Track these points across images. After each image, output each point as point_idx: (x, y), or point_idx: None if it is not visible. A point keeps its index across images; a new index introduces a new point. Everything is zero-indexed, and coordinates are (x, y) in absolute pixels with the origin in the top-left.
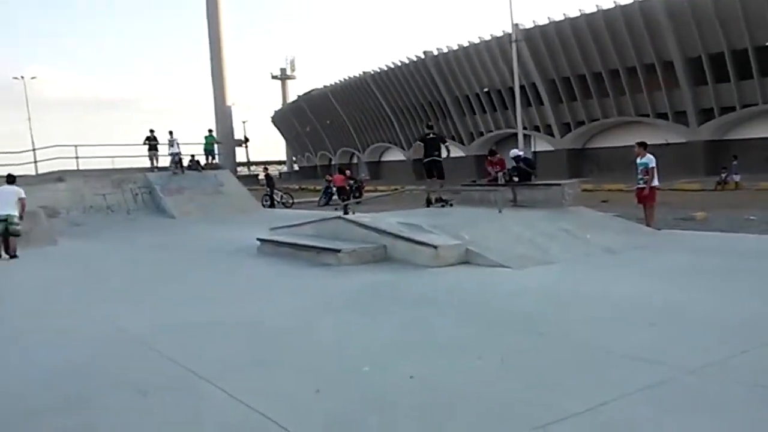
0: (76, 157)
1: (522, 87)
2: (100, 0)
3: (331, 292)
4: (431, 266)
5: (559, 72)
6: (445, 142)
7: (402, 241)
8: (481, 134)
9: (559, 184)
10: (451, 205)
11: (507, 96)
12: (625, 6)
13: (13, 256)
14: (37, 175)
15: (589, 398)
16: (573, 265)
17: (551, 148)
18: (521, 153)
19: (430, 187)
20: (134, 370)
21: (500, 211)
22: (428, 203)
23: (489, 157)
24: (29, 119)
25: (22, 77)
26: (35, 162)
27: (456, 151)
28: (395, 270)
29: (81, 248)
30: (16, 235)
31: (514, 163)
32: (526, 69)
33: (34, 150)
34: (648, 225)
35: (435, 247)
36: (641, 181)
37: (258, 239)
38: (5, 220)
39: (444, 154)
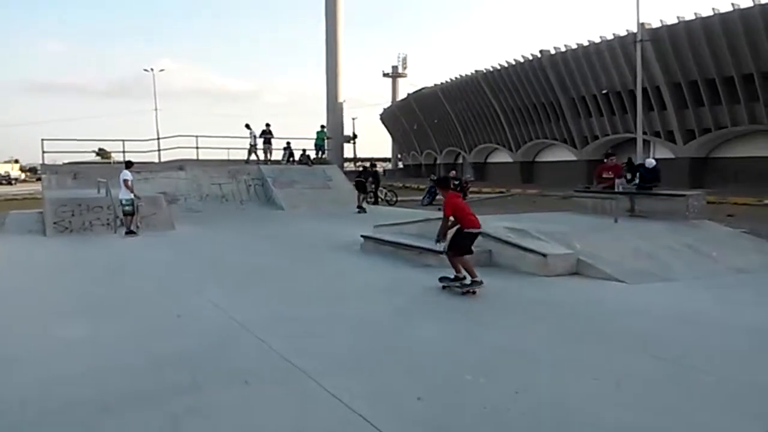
0: (197, 147)
1: (644, 89)
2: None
3: (435, 295)
4: (538, 275)
5: (687, 75)
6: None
7: (509, 246)
8: (596, 138)
9: (683, 195)
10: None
11: (627, 99)
12: (766, 5)
13: (128, 232)
14: (160, 162)
15: None
16: (696, 284)
17: (672, 156)
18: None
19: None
20: (241, 360)
21: (616, 221)
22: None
23: (605, 160)
24: (155, 109)
25: (152, 69)
26: (159, 150)
27: (567, 155)
28: (500, 276)
29: (197, 234)
30: (127, 214)
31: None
32: (649, 71)
33: (158, 139)
34: None
35: (544, 255)
36: None
37: (362, 236)
38: (120, 203)
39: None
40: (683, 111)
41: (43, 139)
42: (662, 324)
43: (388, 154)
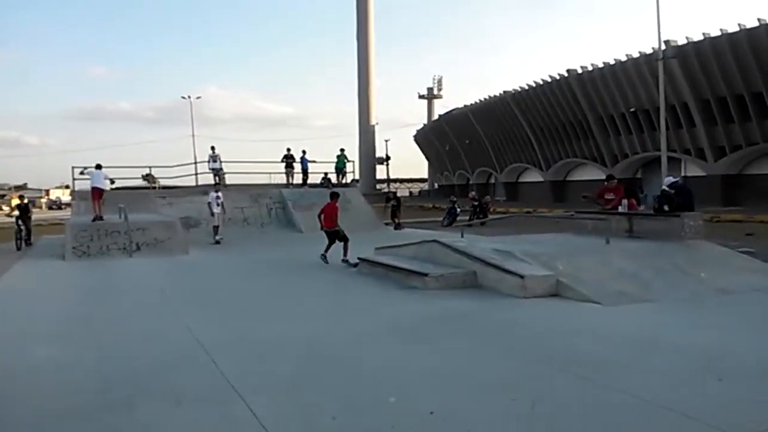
0: (222, 172)
1: (672, 107)
2: (272, 26)
3: (404, 316)
4: (518, 296)
5: (715, 91)
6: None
7: (491, 268)
8: (626, 156)
9: (678, 215)
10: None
11: (655, 116)
12: None
13: None
14: (185, 188)
15: None
16: (673, 305)
17: (703, 173)
18: (676, 179)
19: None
20: (185, 380)
21: (607, 242)
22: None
23: (606, 183)
24: (192, 135)
25: (189, 97)
26: (196, 174)
27: (598, 174)
28: (479, 298)
29: (206, 258)
30: None
31: (666, 191)
32: (677, 88)
33: (196, 163)
34: None
35: (521, 276)
36: None
37: (358, 258)
38: None
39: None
40: (713, 128)
41: (73, 167)
42: (609, 345)
43: (425, 175)
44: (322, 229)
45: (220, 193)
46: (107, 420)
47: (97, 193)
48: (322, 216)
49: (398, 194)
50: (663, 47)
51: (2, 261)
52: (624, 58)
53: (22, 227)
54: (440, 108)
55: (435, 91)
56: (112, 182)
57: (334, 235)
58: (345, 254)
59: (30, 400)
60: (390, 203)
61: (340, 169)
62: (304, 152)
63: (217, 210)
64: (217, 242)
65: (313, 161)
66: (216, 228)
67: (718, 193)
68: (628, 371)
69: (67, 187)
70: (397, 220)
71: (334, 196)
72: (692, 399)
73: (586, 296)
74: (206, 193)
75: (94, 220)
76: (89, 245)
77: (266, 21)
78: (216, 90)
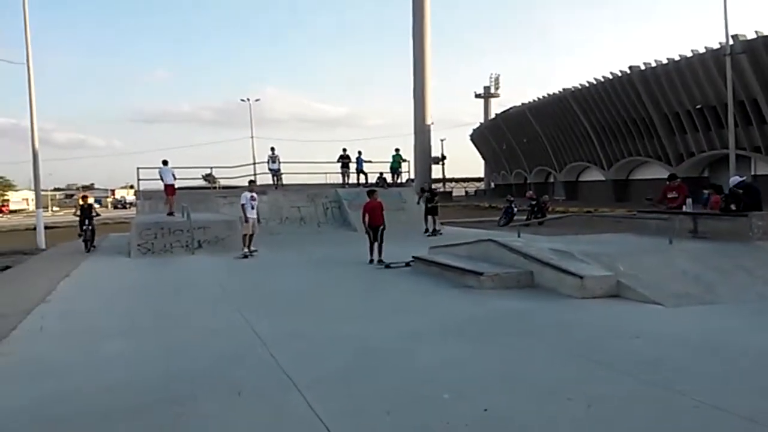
0: (280, 173)
1: (741, 103)
2: (327, 26)
3: (457, 315)
4: (576, 297)
5: None
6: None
7: (549, 268)
8: (692, 155)
9: (746, 215)
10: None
11: (722, 113)
12: None
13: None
14: (244, 187)
15: None
16: (738, 307)
17: None
18: (743, 178)
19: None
20: (246, 373)
21: (671, 242)
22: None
23: (668, 182)
24: (252, 137)
25: (248, 99)
26: (254, 175)
27: (662, 173)
28: (536, 298)
29: (264, 256)
30: None
31: (734, 190)
32: (746, 83)
33: (254, 164)
34: None
35: (581, 277)
36: None
37: (412, 257)
38: None
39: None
40: None
41: (138, 168)
42: (672, 348)
43: (482, 174)
44: (366, 231)
45: (255, 194)
46: (172, 412)
47: (169, 189)
48: (367, 216)
49: (435, 189)
50: (731, 42)
51: (72, 258)
52: (689, 54)
53: (87, 228)
54: (497, 107)
55: (492, 90)
56: (175, 178)
57: (376, 232)
58: (372, 254)
59: (100, 393)
60: (424, 194)
61: (395, 169)
62: (360, 153)
63: (251, 215)
64: (245, 256)
65: (369, 161)
66: (247, 237)
67: None
68: (689, 374)
69: (131, 187)
70: (434, 224)
71: (371, 193)
72: (756, 403)
73: (647, 297)
74: (264, 193)
75: (169, 215)
76: (153, 243)
77: (322, 21)
78: (273, 91)
